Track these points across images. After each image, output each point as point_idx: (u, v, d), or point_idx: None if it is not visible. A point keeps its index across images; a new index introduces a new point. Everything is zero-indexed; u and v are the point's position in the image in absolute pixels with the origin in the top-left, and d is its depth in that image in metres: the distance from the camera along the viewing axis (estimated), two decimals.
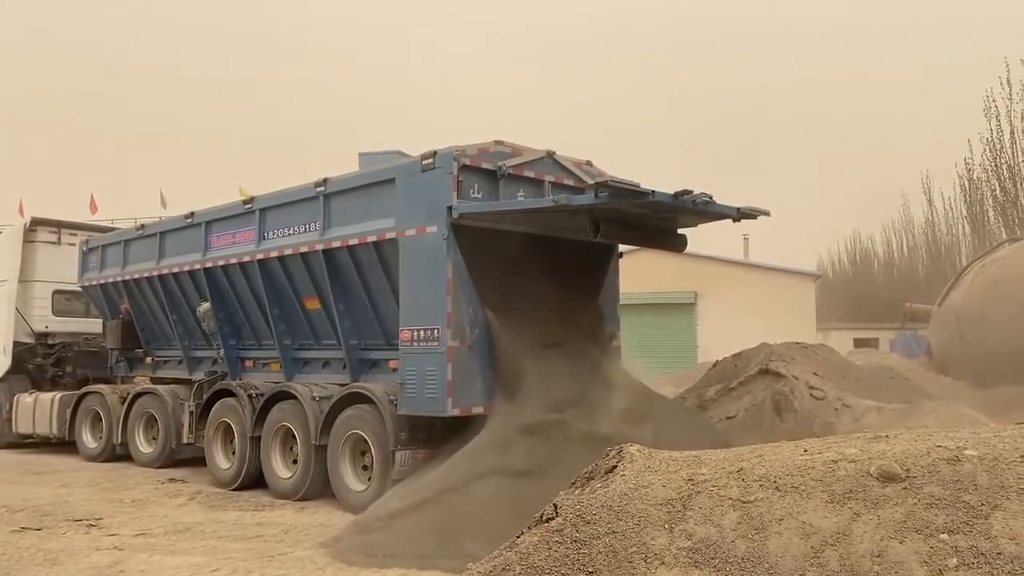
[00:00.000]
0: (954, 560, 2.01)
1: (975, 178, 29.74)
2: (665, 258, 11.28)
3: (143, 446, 12.07)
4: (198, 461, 11.37)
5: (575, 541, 2.34)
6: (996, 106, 27.05)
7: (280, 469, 9.63)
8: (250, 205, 10.45)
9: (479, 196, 8.25)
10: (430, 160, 8.14)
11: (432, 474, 7.51)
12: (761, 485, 2.37)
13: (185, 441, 11.33)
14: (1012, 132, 26.54)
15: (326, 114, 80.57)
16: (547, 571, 2.27)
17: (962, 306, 13.58)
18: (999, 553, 2.00)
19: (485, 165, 8.32)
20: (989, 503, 2.13)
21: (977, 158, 29.45)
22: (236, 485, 10.01)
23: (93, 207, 27.51)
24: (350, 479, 8.81)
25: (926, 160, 58.13)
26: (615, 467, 2.88)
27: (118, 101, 74.37)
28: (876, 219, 63.96)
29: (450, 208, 7.93)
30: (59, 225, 15.22)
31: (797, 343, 10.42)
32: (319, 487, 9.19)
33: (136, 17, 79.82)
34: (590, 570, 2.25)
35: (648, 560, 2.23)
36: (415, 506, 6.99)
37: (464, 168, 8.10)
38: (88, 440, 12.96)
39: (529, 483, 6.85)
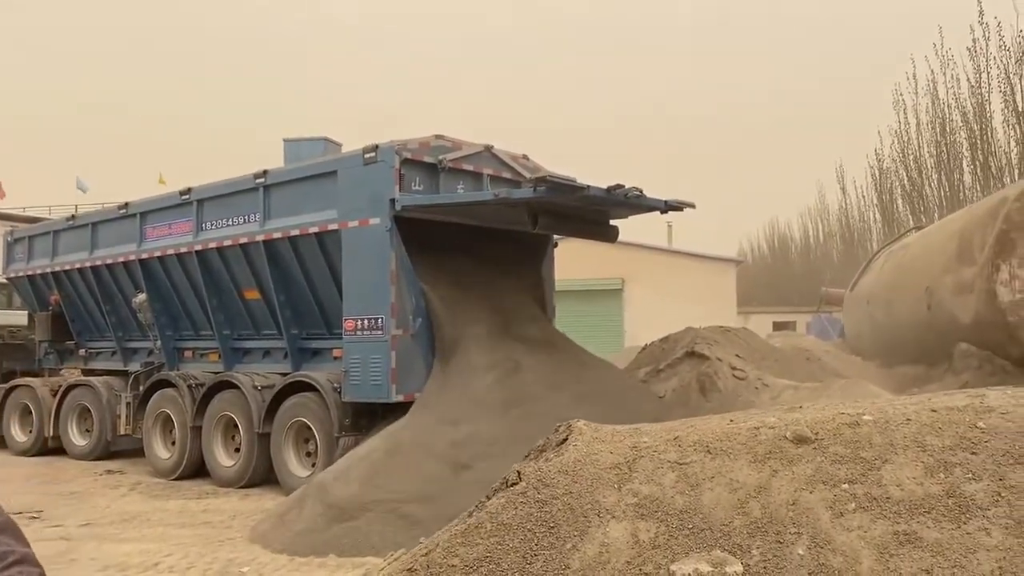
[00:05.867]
0: (852, 504, 2.44)
1: (885, 168, 31.25)
2: (593, 246, 11.73)
3: (77, 439, 11.95)
4: (134, 452, 11.36)
5: (537, 501, 2.69)
6: (904, 100, 28.45)
7: (222, 458, 9.75)
8: (187, 196, 10.47)
9: (420, 189, 8.52)
10: (372, 154, 8.36)
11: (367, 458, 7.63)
12: (695, 449, 2.77)
13: (122, 433, 11.28)
14: (918, 125, 27.97)
15: (247, 98, 78.96)
16: (515, 527, 2.61)
17: (871, 290, 14.43)
18: (888, 497, 2.44)
19: (426, 159, 8.58)
20: (881, 458, 2.57)
21: (887, 149, 30.97)
22: (177, 475, 10.08)
23: (0, 193, 26.63)
24: (294, 465, 9.00)
25: (840, 150, 60.57)
26: (566, 439, 3.23)
27: (29, 82, 71.43)
28: (794, 206, 66.34)
29: (393, 201, 8.18)
30: None
31: (720, 327, 11.01)
32: (262, 474, 9.36)
33: None
34: (551, 525, 2.60)
35: (601, 515, 2.60)
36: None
37: (406, 162, 8.35)
38: (17, 434, 12.71)
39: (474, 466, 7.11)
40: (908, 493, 2.41)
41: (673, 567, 2.37)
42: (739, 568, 2.33)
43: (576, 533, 2.54)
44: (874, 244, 30.38)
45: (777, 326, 30.63)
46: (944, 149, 26.34)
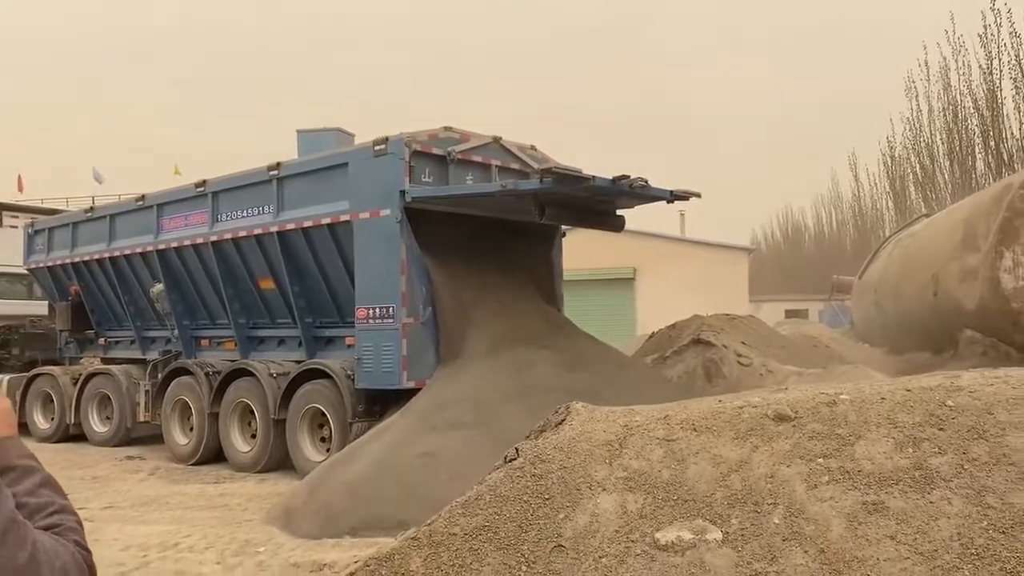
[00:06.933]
0: (826, 477, 2.61)
1: (897, 155, 31.17)
2: (605, 235, 11.89)
3: (97, 426, 12.21)
4: (153, 439, 11.61)
5: (533, 475, 2.87)
6: (916, 87, 28.34)
7: (239, 443, 9.99)
8: (203, 188, 10.68)
9: (430, 180, 8.69)
10: (382, 146, 8.54)
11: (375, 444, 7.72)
12: (682, 427, 2.94)
13: (141, 419, 11.52)
14: (930, 112, 27.86)
15: (261, 90, 79.28)
16: (512, 499, 2.80)
17: (879, 278, 14.51)
18: (859, 471, 2.61)
19: (435, 151, 8.75)
20: (855, 434, 2.73)
21: (898, 137, 30.89)
22: (195, 460, 10.33)
23: (20, 186, 26.92)
24: (309, 451, 9.23)
25: (853, 137, 60.34)
26: (564, 420, 3.42)
27: (48, 75, 72.03)
28: (807, 194, 66.25)
29: (403, 192, 8.36)
30: (0, 208, 15.12)
31: (727, 314, 11.16)
32: (278, 459, 9.60)
33: None
34: (546, 497, 2.79)
35: (592, 488, 2.78)
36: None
37: (415, 154, 8.52)
38: (39, 421, 12.99)
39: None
40: (878, 466, 2.58)
41: (658, 535, 2.55)
42: (719, 536, 2.51)
43: (569, 504, 2.73)
44: (887, 232, 30.33)
45: (789, 313, 30.71)
46: (956, 136, 26.25)
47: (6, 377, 13.49)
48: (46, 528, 1.38)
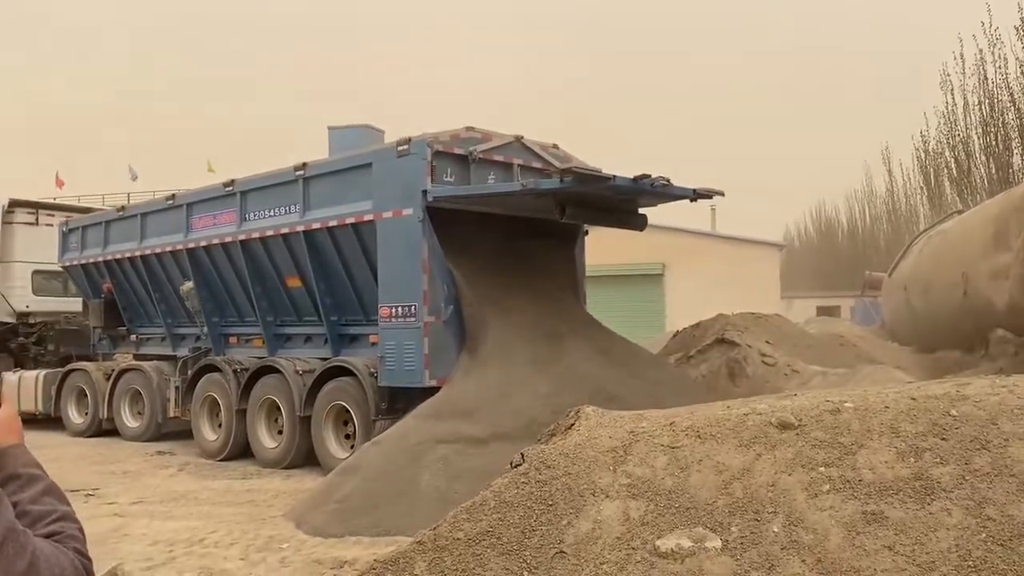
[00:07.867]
0: (827, 486, 2.61)
1: (931, 150, 30.63)
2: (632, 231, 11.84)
3: (129, 421, 12.46)
4: (184, 434, 11.81)
5: (538, 481, 2.91)
6: (951, 80, 27.80)
7: (266, 440, 10.14)
8: (231, 188, 10.84)
9: (451, 180, 8.75)
10: (405, 147, 8.62)
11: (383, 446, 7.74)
12: (687, 434, 2.96)
13: (171, 415, 11.74)
14: (965, 106, 27.31)
15: (294, 82, 79.98)
16: (516, 505, 2.84)
17: (909, 275, 14.30)
18: (860, 480, 2.61)
19: (457, 150, 8.81)
20: (857, 443, 2.74)
21: (932, 131, 30.33)
22: (223, 456, 10.50)
23: (59, 183, 27.40)
24: (334, 447, 9.35)
25: (887, 131, 59.40)
26: (573, 425, 3.45)
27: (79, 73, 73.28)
28: (841, 189, 65.38)
29: (425, 192, 8.42)
30: (37, 206, 15.43)
31: (752, 313, 11.09)
32: (303, 456, 9.73)
33: None
34: (550, 503, 2.83)
35: (596, 494, 2.81)
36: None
37: (437, 154, 8.58)
38: (74, 416, 13.29)
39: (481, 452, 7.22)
40: (879, 476, 2.58)
41: (658, 542, 2.58)
42: (718, 543, 2.53)
43: (572, 511, 2.76)
44: (921, 228, 29.86)
45: (821, 311, 30.35)
46: (992, 130, 25.73)
47: (41, 372, 13.81)
48: (47, 535, 1.42)
